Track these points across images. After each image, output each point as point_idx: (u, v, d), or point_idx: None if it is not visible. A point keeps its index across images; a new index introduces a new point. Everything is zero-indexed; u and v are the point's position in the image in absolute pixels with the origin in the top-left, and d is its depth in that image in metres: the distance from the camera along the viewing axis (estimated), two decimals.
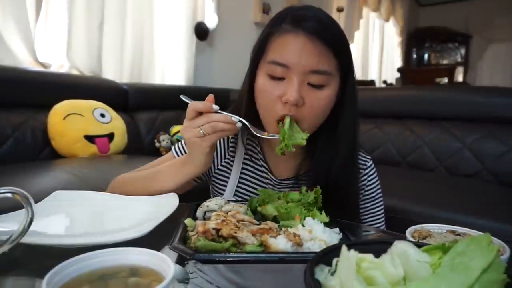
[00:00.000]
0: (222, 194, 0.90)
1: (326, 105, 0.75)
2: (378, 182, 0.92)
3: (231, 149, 0.90)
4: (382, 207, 0.93)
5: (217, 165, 0.90)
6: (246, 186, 0.89)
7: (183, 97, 0.76)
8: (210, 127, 0.69)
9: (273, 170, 0.89)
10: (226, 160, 0.90)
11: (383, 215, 0.93)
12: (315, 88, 0.72)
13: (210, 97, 0.72)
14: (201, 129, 0.69)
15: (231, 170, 0.90)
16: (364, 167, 0.90)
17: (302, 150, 0.86)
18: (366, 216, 0.91)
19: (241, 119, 0.71)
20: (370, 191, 0.90)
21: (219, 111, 0.71)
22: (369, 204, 0.90)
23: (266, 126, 0.78)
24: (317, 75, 0.71)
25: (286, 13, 0.75)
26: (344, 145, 0.79)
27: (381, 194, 0.92)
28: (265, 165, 0.88)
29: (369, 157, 0.92)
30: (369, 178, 0.90)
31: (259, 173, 0.89)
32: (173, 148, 0.92)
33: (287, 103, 0.70)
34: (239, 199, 0.89)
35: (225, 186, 0.89)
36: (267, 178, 0.89)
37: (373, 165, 0.91)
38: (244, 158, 0.90)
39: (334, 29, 0.74)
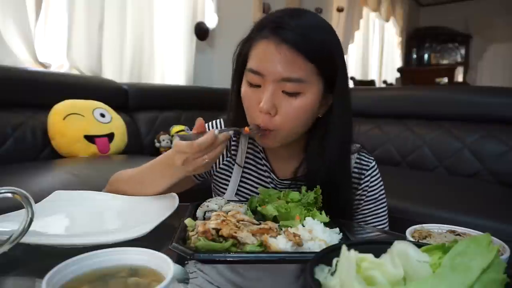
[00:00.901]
0: (224, 193, 0.90)
1: (302, 113, 0.73)
2: (381, 183, 0.90)
3: (233, 147, 0.91)
4: (386, 208, 0.91)
5: (219, 164, 0.91)
6: (248, 185, 0.89)
7: (178, 136, 0.76)
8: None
9: (275, 170, 0.89)
10: (228, 159, 0.90)
11: (386, 216, 0.91)
12: (290, 96, 0.71)
13: (202, 123, 0.70)
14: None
15: (232, 169, 0.90)
16: (367, 167, 0.88)
17: (303, 152, 0.86)
18: (369, 218, 0.89)
19: (236, 129, 0.73)
20: (372, 192, 0.89)
21: (219, 130, 0.70)
22: (372, 206, 0.89)
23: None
24: (291, 83, 0.70)
25: (269, 19, 0.74)
26: (332, 150, 0.78)
27: (384, 196, 0.90)
28: (267, 164, 0.88)
29: (372, 158, 0.91)
30: (372, 179, 0.89)
31: (261, 172, 0.89)
32: None
33: (261, 111, 0.71)
34: (241, 198, 0.89)
35: (227, 185, 0.89)
36: (269, 178, 0.89)
37: (376, 166, 0.90)
38: (246, 157, 0.90)
39: (315, 34, 0.71)
